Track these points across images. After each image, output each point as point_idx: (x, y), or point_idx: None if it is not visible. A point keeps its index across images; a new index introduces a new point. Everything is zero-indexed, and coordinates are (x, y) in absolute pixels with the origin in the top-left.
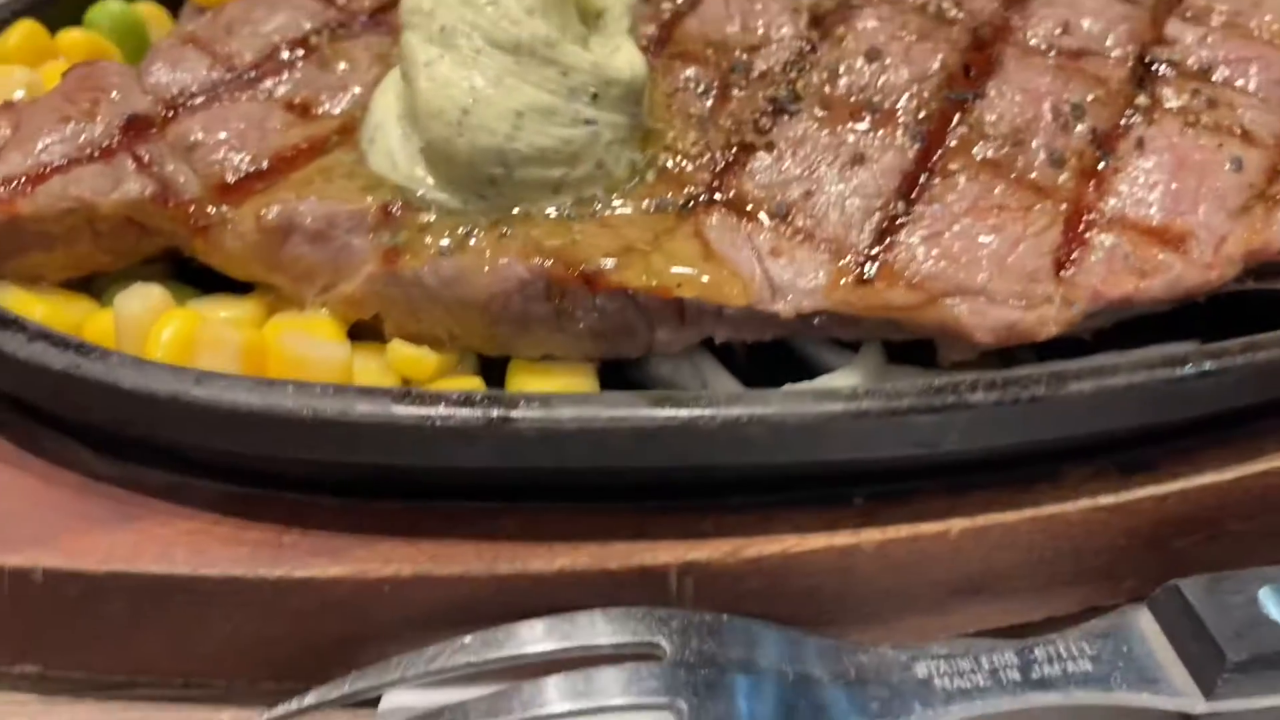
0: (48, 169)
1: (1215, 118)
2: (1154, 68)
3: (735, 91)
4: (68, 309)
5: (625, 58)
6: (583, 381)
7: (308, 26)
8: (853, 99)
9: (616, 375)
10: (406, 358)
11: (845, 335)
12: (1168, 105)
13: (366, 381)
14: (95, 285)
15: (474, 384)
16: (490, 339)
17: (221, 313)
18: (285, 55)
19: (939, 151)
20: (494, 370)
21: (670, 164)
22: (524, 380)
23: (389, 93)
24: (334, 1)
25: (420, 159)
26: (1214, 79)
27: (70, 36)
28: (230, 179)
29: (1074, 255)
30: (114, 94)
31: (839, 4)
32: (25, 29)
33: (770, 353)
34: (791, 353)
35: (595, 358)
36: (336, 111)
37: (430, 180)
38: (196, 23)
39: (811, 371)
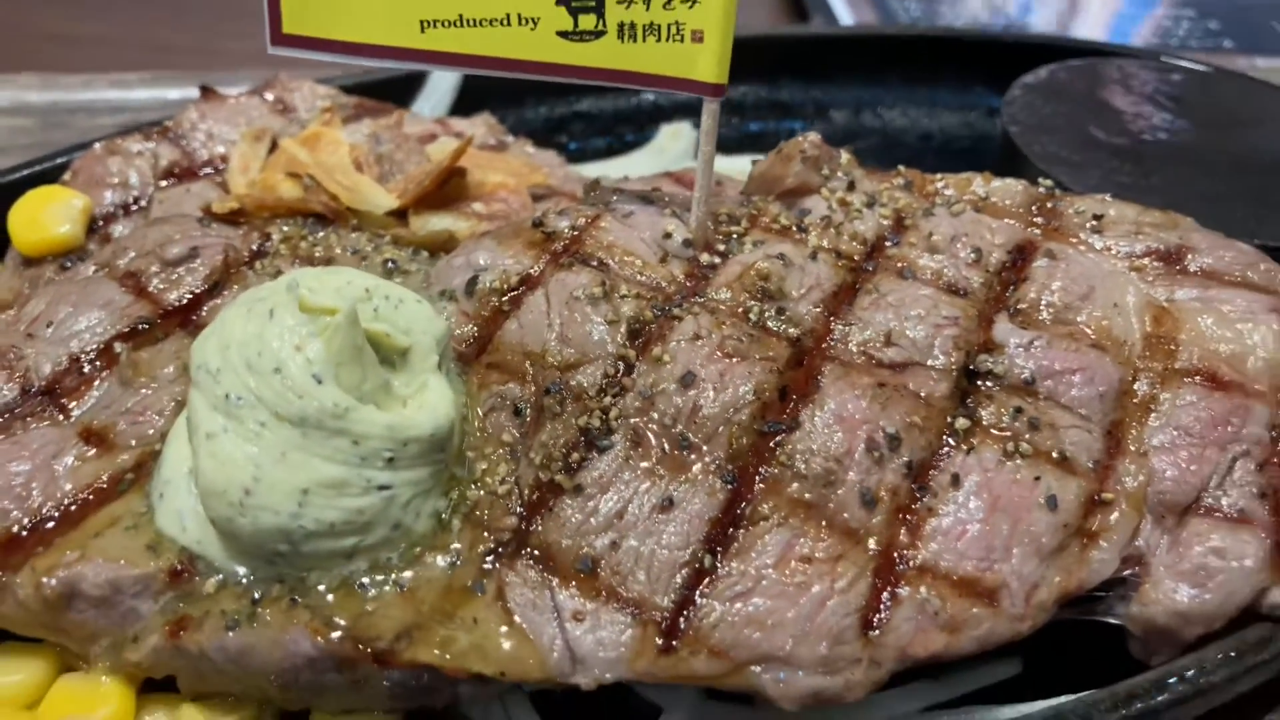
0: None
1: (1035, 442)
2: (978, 381)
3: (548, 419)
4: None
5: (429, 404)
6: None
7: (111, 332)
8: (665, 432)
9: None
10: None
11: (655, 689)
12: (988, 426)
13: None
14: None
15: None
16: (285, 700)
17: (8, 676)
18: (86, 369)
19: (750, 494)
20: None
21: (477, 507)
22: None
23: (181, 441)
24: (145, 292)
25: (209, 525)
26: (1038, 392)
27: None
28: (13, 535)
29: (882, 612)
30: None
31: (659, 314)
32: None
33: None
34: None
35: (398, 710)
36: (133, 443)
37: (218, 547)
38: None
39: (628, 702)
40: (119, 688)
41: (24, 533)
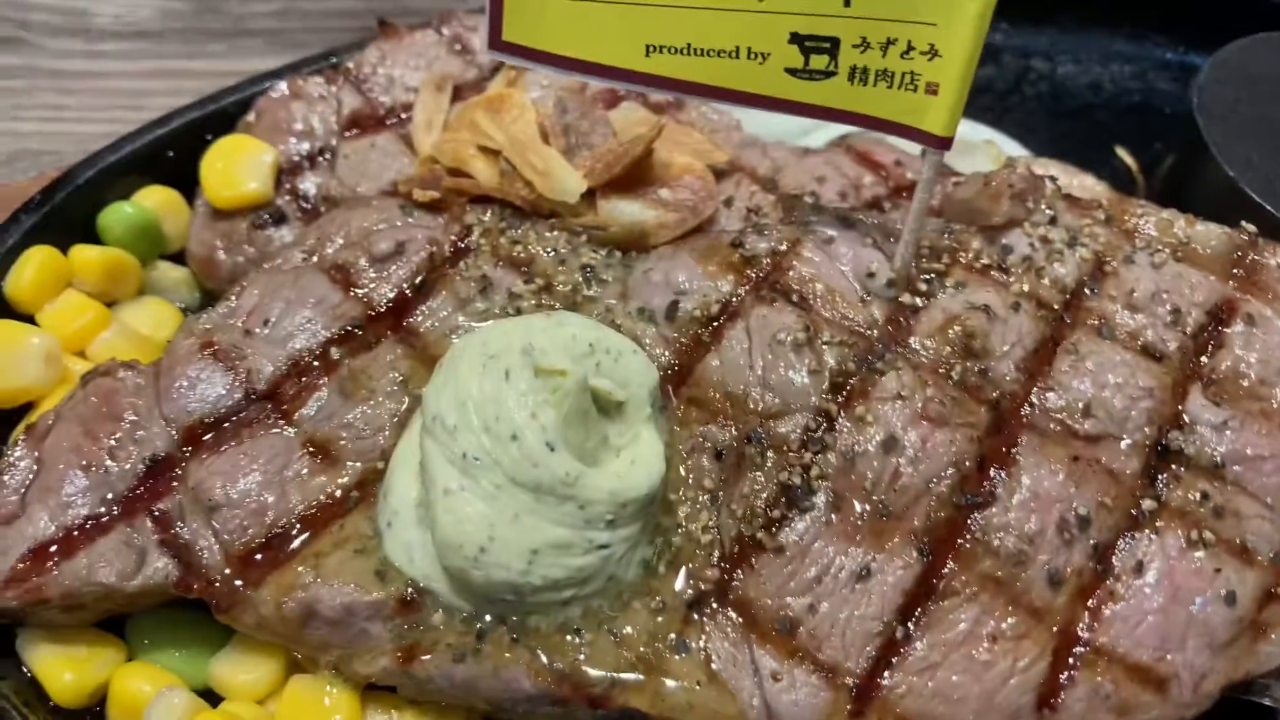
0: (72, 534)
1: (1219, 530)
2: (1169, 459)
3: (749, 469)
4: (95, 665)
5: (644, 458)
6: None
7: (325, 334)
8: (865, 498)
9: None
10: None
11: None
12: (1173, 509)
13: None
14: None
15: None
16: (497, 713)
17: (246, 673)
18: (304, 374)
19: (944, 567)
20: None
21: (680, 555)
22: None
23: (406, 470)
24: (353, 290)
25: (437, 562)
26: (1226, 476)
27: (84, 256)
28: (252, 552)
29: (1058, 694)
30: (134, 427)
31: (861, 363)
32: (40, 259)
33: None
34: None
35: None
36: (356, 461)
37: (444, 583)
38: (214, 317)
39: None
40: (347, 695)
41: (261, 551)
